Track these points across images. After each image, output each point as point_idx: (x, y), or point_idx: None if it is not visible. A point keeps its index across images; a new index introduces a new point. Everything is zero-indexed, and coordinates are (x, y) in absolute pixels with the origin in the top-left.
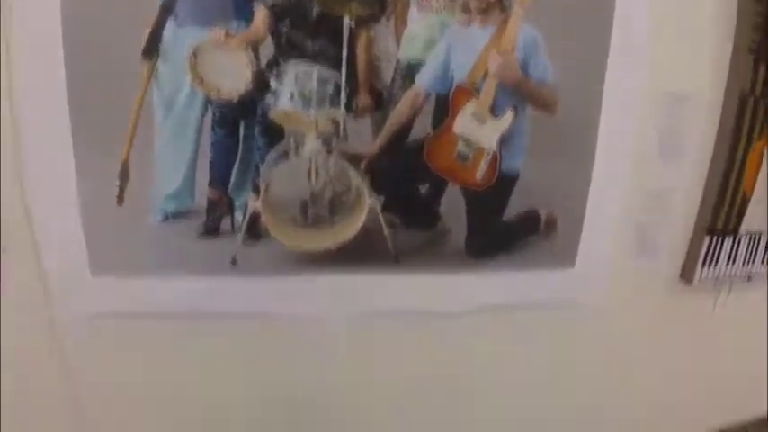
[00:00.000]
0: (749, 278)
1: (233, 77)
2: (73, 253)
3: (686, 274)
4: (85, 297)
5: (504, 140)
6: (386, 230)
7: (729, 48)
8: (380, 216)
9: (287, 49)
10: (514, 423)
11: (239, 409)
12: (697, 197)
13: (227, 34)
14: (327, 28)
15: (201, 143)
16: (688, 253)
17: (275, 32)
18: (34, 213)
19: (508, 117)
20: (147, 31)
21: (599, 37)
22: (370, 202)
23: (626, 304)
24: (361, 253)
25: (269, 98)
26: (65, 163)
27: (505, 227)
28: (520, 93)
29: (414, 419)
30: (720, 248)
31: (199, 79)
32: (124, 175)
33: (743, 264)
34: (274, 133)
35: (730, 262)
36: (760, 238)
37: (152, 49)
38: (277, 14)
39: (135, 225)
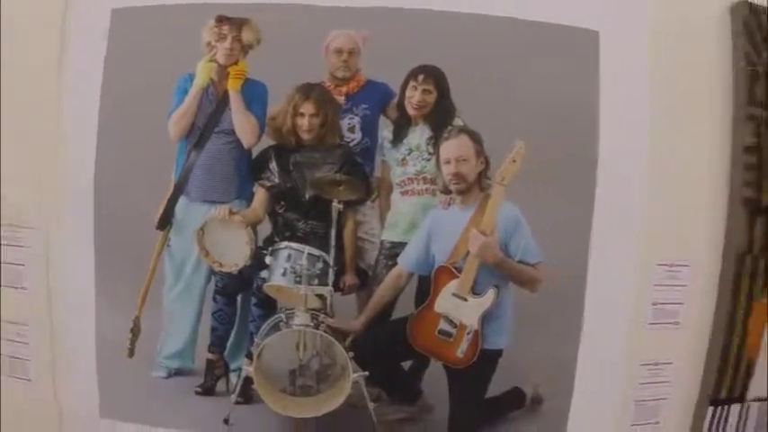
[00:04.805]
0: None
1: (234, 252)
2: (86, 394)
3: None
4: None
5: (487, 318)
6: (369, 404)
7: (724, 208)
8: (364, 390)
9: (282, 229)
10: None
11: None
12: (698, 366)
13: (230, 212)
14: (318, 210)
15: (204, 309)
16: (693, 425)
17: (272, 213)
18: (58, 354)
19: (490, 296)
20: (162, 206)
21: (582, 211)
22: (354, 376)
23: None
24: (346, 423)
25: (264, 273)
26: (87, 315)
27: (489, 403)
28: (501, 272)
29: None
30: (727, 417)
31: (204, 251)
32: (135, 330)
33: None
34: (268, 306)
35: (739, 430)
36: None
37: (165, 221)
38: (274, 196)
39: (141, 377)
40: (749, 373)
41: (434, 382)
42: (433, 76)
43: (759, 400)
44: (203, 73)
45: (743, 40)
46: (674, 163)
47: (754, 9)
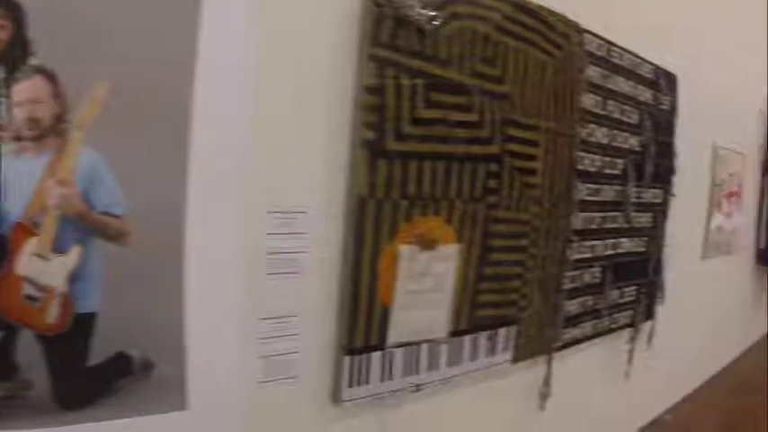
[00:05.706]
0: (418, 389)
1: None
2: None
3: (335, 397)
4: None
5: (74, 278)
6: None
7: (345, 151)
8: None
9: None
10: None
11: None
12: (329, 316)
13: None
14: None
15: None
16: (334, 377)
17: None
18: None
19: (74, 253)
20: None
21: (176, 159)
22: None
23: None
24: None
25: None
26: None
27: (92, 372)
28: (85, 225)
29: None
30: (369, 366)
31: None
32: None
33: (403, 376)
34: None
35: (385, 378)
36: (419, 347)
37: None
38: None
39: None
40: (386, 320)
41: (32, 354)
42: (9, 9)
43: (401, 345)
44: None
45: None
46: (284, 106)
47: None
